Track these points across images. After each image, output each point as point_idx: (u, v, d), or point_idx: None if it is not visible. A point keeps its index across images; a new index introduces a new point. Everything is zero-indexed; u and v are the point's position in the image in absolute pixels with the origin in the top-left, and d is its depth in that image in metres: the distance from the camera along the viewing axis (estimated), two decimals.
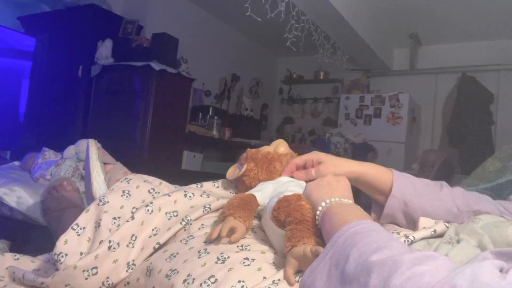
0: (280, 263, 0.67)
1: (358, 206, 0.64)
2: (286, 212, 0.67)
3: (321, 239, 0.64)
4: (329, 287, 0.48)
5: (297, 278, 0.61)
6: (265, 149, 0.93)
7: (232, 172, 0.93)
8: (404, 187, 0.77)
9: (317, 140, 4.61)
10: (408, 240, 0.65)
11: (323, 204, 0.64)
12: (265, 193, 0.80)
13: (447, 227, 0.69)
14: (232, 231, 0.70)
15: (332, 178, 0.73)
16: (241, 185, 0.94)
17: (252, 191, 0.81)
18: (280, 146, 0.94)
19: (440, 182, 0.82)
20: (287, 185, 0.80)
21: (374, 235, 0.50)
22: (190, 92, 3.44)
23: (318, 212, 0.64)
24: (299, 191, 0.75)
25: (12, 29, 3.27)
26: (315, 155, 0.82)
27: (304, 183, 0.80)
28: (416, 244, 0.66)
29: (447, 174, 3.38)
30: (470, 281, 0.35)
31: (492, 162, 1.52)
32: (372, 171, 0.81)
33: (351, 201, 0.66)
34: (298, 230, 0.64)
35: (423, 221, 0.72)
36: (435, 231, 0.68)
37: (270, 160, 0.89)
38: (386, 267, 0.41)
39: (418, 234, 0.67)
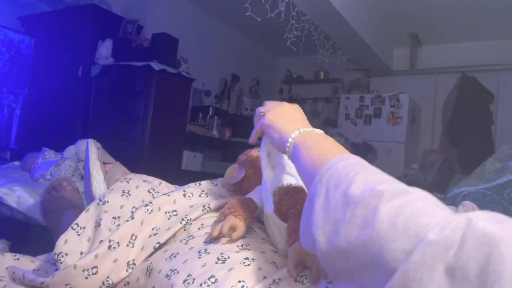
0: (280, 262, 0.67)
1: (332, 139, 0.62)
2: (289, 205, 0.67)
3: None
4: (327, 208, 0.46)
5: (298, 278, 0.61)
6: None
7: (230, 174, 0.93)
8: None
9: None
10: None
11: (296, 132, 0.62)
12: (262, 197, 0.81)
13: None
14: (232, 229, 0.70)
15: (292, 108, 0.70)
16: (238, 188, 0.94)
17: (250, 195, 0.82)
18: None
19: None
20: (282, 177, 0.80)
21: (374, 168, 0.49)
22: (190, 92, 3.43)
23: (290, 140, 0.61)
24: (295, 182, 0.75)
25: (12, 29, 3.27)
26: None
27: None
28: None
29: (447, 174, 3.38)
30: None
31: (492, 162, 1.52)
32: None
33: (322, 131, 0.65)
34: (298, 225, 0.64)
35: None
36: None
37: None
38: (398, 196, 0.41)
39: None
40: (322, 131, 0.63)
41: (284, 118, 0.67)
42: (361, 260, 0.40)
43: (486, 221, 0.35)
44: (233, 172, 0.94)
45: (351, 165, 0.50)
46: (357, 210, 0.42)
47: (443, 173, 3.39)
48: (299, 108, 0.71)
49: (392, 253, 0.37)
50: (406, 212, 0.39)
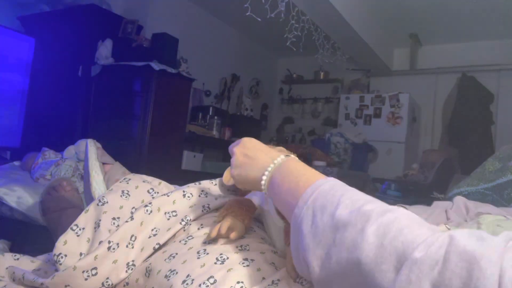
0: (279, 263, 0.67)
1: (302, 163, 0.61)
2: None
3: None
4: (316, 232, 0.46)
5: (298, 279, 0.61)
6: None
7: (229, 176, 0.93)
8: None
9: (317, 140, 4.60)
10: None
11: (264, 177, 0.60)
12: (261, 196, 0.81)
13: (449, 229, 0.69)
14: (231, 229, 0.70)
15: (248, 145, 0.67)
16: (238, 188, 0.94)
17: (249, 196, 0.82)
18: None
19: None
20: None
21: (355, 190, 0.50)
22: (190, 92, 3.43)
23: (264, 177, 0.60)
24: None
25: (12, 29, 3.27)
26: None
27: None
28: None
29: (447, 174, 3.38)
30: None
31: (492, 162, 1.52)
32: None
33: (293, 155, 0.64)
34: None
35: None
36: None
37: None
38: (384, 216, 0.42)
39: None
40: (292, 156, 0.62)
41: (247, 164, 0.64)
42: (354, 282, 0.42)
43: (467, 239, 0.36)
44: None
45: (334, 187, 0.50)
46: (346, 233, 0.43)
47: (443, 173, 3.39)
48: (253, 140, 0.68)
49: (383, 274, 0.38)
50: (393, 230, 0.40)
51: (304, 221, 0.48)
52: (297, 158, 0.62)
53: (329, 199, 0.48)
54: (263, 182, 0.60)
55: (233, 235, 0.69)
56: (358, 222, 0.43)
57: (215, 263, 0.64)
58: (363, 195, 0.48)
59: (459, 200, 0.85)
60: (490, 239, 0.36)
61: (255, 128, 4.88)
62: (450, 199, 1.55)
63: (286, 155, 0.62)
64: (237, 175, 0.66)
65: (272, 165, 0.60)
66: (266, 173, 0.60)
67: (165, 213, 0.81)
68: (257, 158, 0.63)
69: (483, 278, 0.32)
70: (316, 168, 3.46)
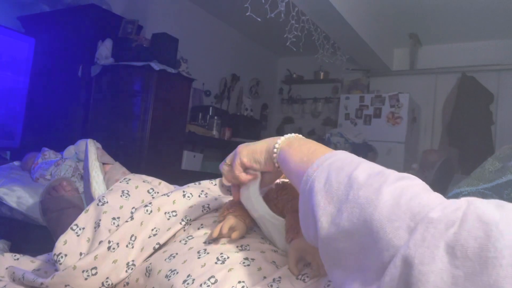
0: (280, 261, 0.67)
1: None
2: (285, 200, 0.68)
3: None
4: (329, 189, 0.46)
5: (300, 276, 0.61)
6: None
7: None
8: None
9: (317, 140, 4.60)
10: None
11: (282, 138, 0.61)
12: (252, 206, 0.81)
13: None
14: (232, 229, 0.70)
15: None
16: None
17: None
18: None
19: None
20: None
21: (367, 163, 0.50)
22: (190, 92, 3.43)
23: (276, 146, 0.60)
24: None
25: (12, 29, 3.27)
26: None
27: None
28: None
29: (447, 174, 3.38)
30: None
31: (492, 162, 1.52)
32: None
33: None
34: (297, 220, 0.64)
35: None
36: None
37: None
38: (402, 180, 0.42)
39: None
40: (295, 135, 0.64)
41: (259, 144, 0.65)
42: (363, 241, 0.41)
43: (486, 204, 0.36)
44: None
45: (353, 156, 0.50)
46: (361, 191, 0.42)
47: (443, 173, 3.39)
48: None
49: (395, 231, 0.37)
50: (410, 193, 0.40)
51: (317, 179, 0.48)
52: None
53: (347, 163, 0.48)
54: (277, 145, 0.60)
55: (234, 235, 0.69)
56: (374, 182, 0.43)
57: (216, 262, 0.64)
58: (383, 167, 0.48)
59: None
60: (509, 206, 0.35)
61: (255, 128, 4.88)
62: (450, 199, 1.55)
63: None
64: (244, 146, 0.66)
65: (283, 138, 0.61)
66: (279, 141, 0.61)
67: (165, 213, 0.82)
68: (261, 142, 0.65)
69: (501, 239, 0.31)
70: None
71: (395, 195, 0.40)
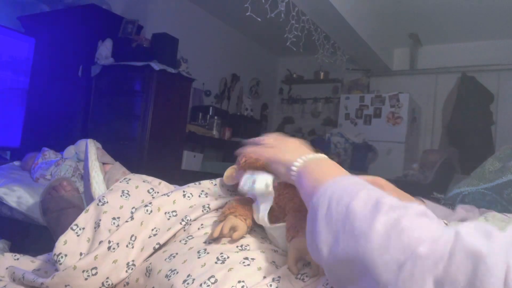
0: (280, 261, 0.67)
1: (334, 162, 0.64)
2: (287, 199, 0.68)
3: None
4: (329, 219, 0.47)
5: (299, 275, 0.61)
6: None
7: (230, 176, 0.93)
8: None
9: (317, 140, 4.60)
10: None
11: (299, 160, 0.63)
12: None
13: (446, 224, 0.69)
14: (233, 229, 0.70)
15: (293, 141, 0.72)
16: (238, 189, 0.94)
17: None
18: None
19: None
20: None
21: (378, 189, 0.51)
22: (190, 92, 3.43)
23: (294, 168, 0.63)
24: None
25: (12, 29, 3.27)
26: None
27: None
28: None
29: (447, 174, 3.38)
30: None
31: (492, 162, 1.52)
32: None
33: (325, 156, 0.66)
34: (298, 219, 0.65)
35: None
36: None
37: (269, 171, 0.89)
38: (396, 210, 0.42)
39: None
40: (325, 156, 0.65)
41: (286, 151, 0.68)
42: (358, 270, 0.42)
43: (474, 234, 0.36)
44: (232, 173, 0.94)
45: (356, 183, 0.51)
46: (356, 221, 0.44)
47: (443, 173, 3.39)
48: (300, 140, 0.72)
49: (385, 265, 0.38)
50: (402, 225, 0.40)
51: (320, 208, 0.50)
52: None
53: (348, 192, 0.49)
54: (297, 163, 0.63)
55: (235, 235, 0.69)
56: (369, 212, 0.44)
57: (216, 262, 0.64)
58: (383, 192, 0.48)
59: (466, 207, 0.87)
60: (496, 235, 0.36)
61: (255, 128, 4.88)
62: (450, 199, 1.55)
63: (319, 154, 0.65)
64: (271, 151, 0.70)
65: (310, 156, 0.63)
66: (302, 158, 0.63)
67: (165, 213, 0.82)
68: (292, 146, 0.69)
69: (489, 274, 0.32)
70: None
71: (387, 226, 0.41)
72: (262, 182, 0.70)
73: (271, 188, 0.70)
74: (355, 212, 0.45)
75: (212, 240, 0.72)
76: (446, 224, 0.69)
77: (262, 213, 0.71)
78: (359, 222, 0.43)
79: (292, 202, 0.67)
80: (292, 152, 0.67)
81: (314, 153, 0.66)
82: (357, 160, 3.92)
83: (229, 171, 0.94)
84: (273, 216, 0.71)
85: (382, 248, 0.39)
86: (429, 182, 3.27)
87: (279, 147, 0.70)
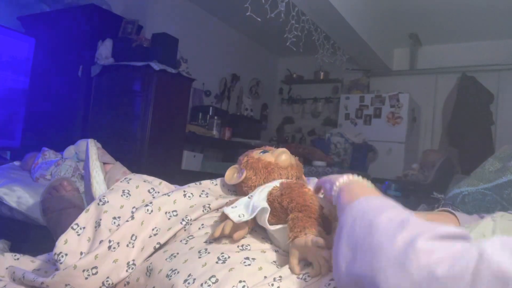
0: (281, 261, 0.67)
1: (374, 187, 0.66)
2: (289, 198, 0.68)
3: (322, 229, 0.65)
4: (352, 236, 0.47)
5: (301, 276, 0.61)
6: (266, 158, 0.91)
7: (231, 175, 0.93)
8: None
9: (317, 140, 4.61)
10: None
11: (341, 180, 0.65)
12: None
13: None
14: (234, 229, 0.70)
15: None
16: (239, 189, 0.94)
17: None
18: (282, 156, 0.92)
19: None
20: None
21: (405, 209, 0.50)
22: (190, 92, 3.43)
23: (337, 184, 0.65)
24: None
25: (12, 29, 3.27)
26: None
27: None
28: None
29: (447, 174, 3.38)
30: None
31: (492, 162, 1.52)
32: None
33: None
34: (300, 220, 0.65)
35: None
36: None
37: (270, 171, 0.89)
38: (420, 226, 0.41)
39: None
40: (367, 180, 0.67)
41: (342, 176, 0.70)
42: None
43: (500, 253, 0.33)
44: (234, 173, 0.94)
45: (385, 202, 0.51)
46: (376, 237, 0.43)
47: (443, 173, 3.39)
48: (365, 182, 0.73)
49: (398, 284, 0.37)
50: (421, 243, 0.38)
51: (345, 225, 0.50)
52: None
53: (373, 209, 0.49)
54: (341, 180, 0.65)
55: (236, 235, 0.69)
56: (392, 228, 0.42)
57: (217, 262, 0.64)
58: (412, 213, 0.47)
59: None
60: None
61: (255, 128, 4.88)
62: (450, 199, 1.55)
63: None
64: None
65: (354, 177, 0.66)
66: (345, 178, 0.65)
67: (166, 212, 0.82)
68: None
69: None
70: (316, 168, 3.40)
71: (407, 243, 0.39)
72: (236, 214, 0.71)
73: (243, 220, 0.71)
74: (378, 228, 0.44)
75: (213, 240, 0.72)
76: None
77: (263, 217, 0.71)
78: (379, 237, 0.42)
79: (294, 203, 0.67)
80: (344, 176, 0.68)
81: (347, 176, 0.67)
82: (357, 160, 3.92)
83: (231, 171, 0.95)
84: (275, 216, 0.71)
85: (397, 265, 0.38)
86: (429, 182, 3.27)
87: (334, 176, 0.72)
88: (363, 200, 0.52)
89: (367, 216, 0.47)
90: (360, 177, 0.67)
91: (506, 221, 0.64)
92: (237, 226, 0.70)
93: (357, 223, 0.48)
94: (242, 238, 0.72)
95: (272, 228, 0.71)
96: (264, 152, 0.94)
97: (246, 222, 0.72)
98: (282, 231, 0.70)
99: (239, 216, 0.70)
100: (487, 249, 0.34)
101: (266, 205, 0.70)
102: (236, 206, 0.73)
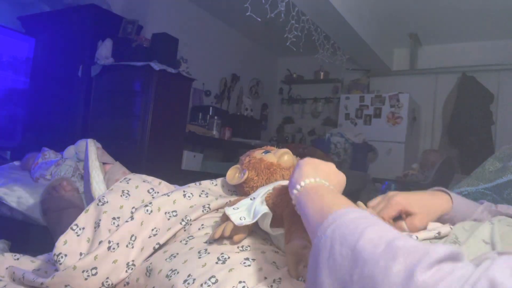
0: (281, 262, 0.67)
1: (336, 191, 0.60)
2: (282, 206, 0.68)
3: None
4: (333, 265, 0.41)
5: (300, 278, 0.61)
6: (269, 159, 0.91)
7: (232, 175, 0.93)
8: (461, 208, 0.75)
9: (317, 140, 4.61)
10: None
11: (302, 183, 0.59)
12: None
13: (452, 228, 0.69)
14: (234, 231, 0.70)
15: (325, 163, 0.66)
16: (240, 189, 0.94)
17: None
18: (284, 156, 0.91)
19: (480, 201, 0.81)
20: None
21: (385, 224, 0.44)
22: (190, 92, 3.43)
23: (301, 185, 0.59)
24: None
25: (12, 29, 3.27)
26: (402, 206, 0.71)
27: None
28: None
29: (447, 174, 3.38)
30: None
31: (492, 162, 1.51)
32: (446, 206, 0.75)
33: (334, 187, 0.62)
34: (293, 223, 0.65)
35: (431, 225, 0.72)
36: (439, 233, 0.68)
37: (272, 172, 0.88)
38: (414, 254, 0.36)
39: (420, 235, 0.67)
40: (326, 183, 0.61)
41: (301, 169, 0.64)
42: None
43: (501, 274, 0.31)
44: (235, 173, 0.94)
45: (359, 218, 0.45)
46: (366, 269, 0.38)
47: (443, 173, 3.39)
48: (329, 164, 0.67)
49: None
50: (421, 277, 0.34)
51: (321, 254, 0.43)
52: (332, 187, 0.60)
53: (351, 229, 0.43)
54: (295, 191, 0.59)
55: (236, 237, 0.69)
56: (382, 258, 0.37)
57: (217, 262, 0.64)
58: (391, 229, 0.42)
59: (487, 205, 0.83)
60: None
61: (255, 128, 4.88)
62: None
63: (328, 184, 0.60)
64: (299, 165, 0.65)
65: (306, 182, 0.59)
66: (302, 183, 0.59)
67: (165, 213, 0.81)
68: (309, 170, 0.63)
69: None
70: None
71: (405, 279, 0.34)
72: (237, 216, 0.71)
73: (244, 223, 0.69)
74: (364, 256, 0.38)
75: (213, 240, 0.72)
76: (451, 228, 0.69)
77: (265, 222, 0.71)
78: (369, 269, 0.37)
79: (288, 208, 0.67)
80: (302, 172, 0.62)
81: (314, 178, 0.60)
82: (357, 160, 3.92)
83: (232, 171, 0.94)
84: (275, 220, 0.71)
85: None
86: (429, 182, 3.27)
87: (306, 162, 0.65)
88: (336, 216, 0.46)
89: (347, 240, 0.41)
90: (323, 180, 0.61)
91: (504, 226, 0.63)
92: (237, 229, 0.70)
93: (337, 249, 0.42)
94: (243, 239, 0.71)
95: (274, 233, 0.70)
96: (266, 152, 0.93)
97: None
98: (282, 235, 0.70)
99: (240, 219, 0.69)
100: (496, 277, 0.31)
101: (267, 209, 0.69)
102: (238, 208, 0.73)
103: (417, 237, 0.66)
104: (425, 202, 0.73)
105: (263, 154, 0.92)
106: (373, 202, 0.75)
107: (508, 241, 0.60)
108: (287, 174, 0.89)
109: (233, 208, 0.72)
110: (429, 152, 3.80)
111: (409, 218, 0.71)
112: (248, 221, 0.68)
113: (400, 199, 0.71)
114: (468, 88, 4.25)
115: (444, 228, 0.69)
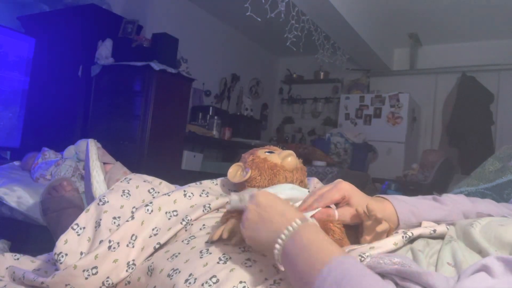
0: None
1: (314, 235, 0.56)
2: None
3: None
4: None
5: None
6: (273, 159, 0.89)
7: (234, 172, 0.92)
8: (406, 216, 0.71)
9: (317, 140, 4.61)
10: (406, 236, 0.65)
11: (277, 246, 0.56)
12: None
13: (448, 229, 0.69)
14: (233, 233, 0.70)
15: (269, 200, 0.62)
16: (241, 188, 0.93)
17: None
18: (288, 158, 0.90)
19: (432, 196, 0.78)
20: (283, 188, 0.79)
21: (374, 276, 0.45)
22: (190, 92, 3.43)
23: (278, 246, 0.55)
24: (295, 195, 0.75)
25: (12, 29, 3.27)
26: (346, 192, 0.70)
27: (305, 190, 0.79)
28: (416, 244, 0.66)
29: (447, 174, 3.38)
30: None
31: (492, 162, 1.52)
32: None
33: (312, 220, 0.60)
34: None
35: (425, 224, 0.71)
36: (434, 230, 0.68)
37: (276, 173, 0.88)
38: None
39: (416, 231, 0.67)
40: (309, 221, 0.58)
41: (259, 226, 0.60)
42: None
43: None
44: (237, 170, 0.92)
45: (353, 269, 0.45)
46: None
47: (443, 173, 3.39)
48: (269, 197, 0.63)
49: None
50: None
51: None
52: (314, 223, 0.58)
53: (344, 284, 0.43)
54: (276, 251, 0.56)
55: (234, 241, 0.69)
56: None
57: (218, 262, 0.64)
58: (377, 279, 0.43)
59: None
60: None
61: (255, 128, 4.88)
62: None
63: (302, 219, 0.56)
64: (248, 236, 0.62)
65: (286, 232, 0.55)
66: (280, 241, 0.55)
67: (166, 212, 0.82)
68: (271, 221, 0.59)
69: None
70: (316, 168, 3.39)
71: None
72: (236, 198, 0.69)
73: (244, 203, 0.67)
74: None
75: (213, 241, 0.72)
76: (448, 228, 0.68)
77: None
78: None
79: None
80: (269, 229, 0.58)
81: (291, 223, 0.55)
82: (357, 160, 3.92)
83: (234, 168, 0.93)
84: None
85: None
86: (429, 182, 3.27)
87: (255, 227, 0.60)
88: (332, 269, 0.46)
89: None
90: (310, 218, 0.59)
91: (490, 230, 0.62)
92: (234, 232, 0.70)
93: None
94: (241, 242, 0.71)
95: None
96: (270, 152, 0.93)
97: None
98: None
99: (240, 200, 0.69)
100: None
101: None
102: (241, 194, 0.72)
103: (412, 233, 0.66)
104: (366, 201, 0.70)
105: (267, 154, 0.92)
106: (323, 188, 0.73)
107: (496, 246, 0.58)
108: (290, 176, 0.88)
109: (236, 195, 0.72)
110: (429, 152, 3.80)
111: (342, 208, 0.69)
112: (245, 203, 0.67)
113: (346, 186, 0.71)
114: (468, 88, 4.25)
115: (440, 227, 0.69)
